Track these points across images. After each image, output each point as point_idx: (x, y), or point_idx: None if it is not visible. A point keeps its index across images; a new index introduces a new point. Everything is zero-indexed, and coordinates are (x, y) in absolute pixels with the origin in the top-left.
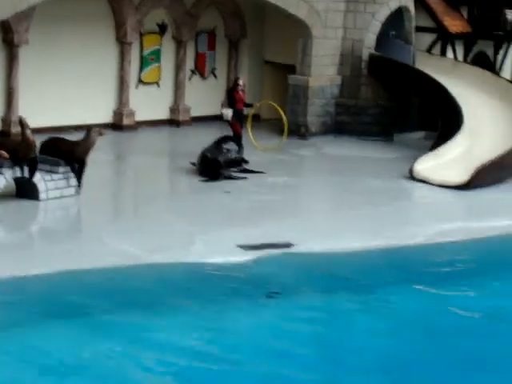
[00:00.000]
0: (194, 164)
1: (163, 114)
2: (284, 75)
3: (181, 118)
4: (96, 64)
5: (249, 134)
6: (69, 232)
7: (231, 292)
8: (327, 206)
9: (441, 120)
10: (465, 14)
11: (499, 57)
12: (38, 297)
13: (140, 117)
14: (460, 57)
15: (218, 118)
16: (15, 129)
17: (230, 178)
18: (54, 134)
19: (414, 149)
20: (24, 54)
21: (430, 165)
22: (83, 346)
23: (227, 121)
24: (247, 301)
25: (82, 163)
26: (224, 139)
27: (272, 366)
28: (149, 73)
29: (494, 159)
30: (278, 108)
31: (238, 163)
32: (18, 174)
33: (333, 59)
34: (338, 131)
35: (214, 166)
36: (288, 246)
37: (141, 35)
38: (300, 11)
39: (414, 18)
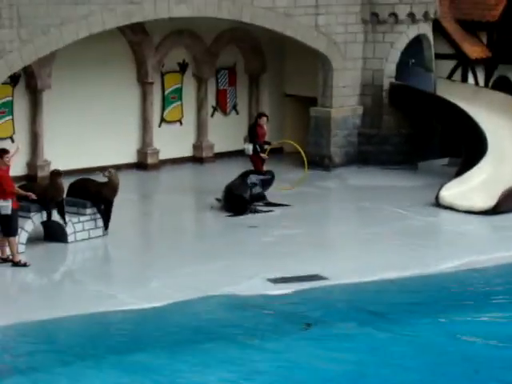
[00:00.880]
0: (219, 200)
1: (186, 151)
2: (305, 108)
3: (204, 154)
4: (118, 105)
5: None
6: (98, 274)
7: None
8: (355, 238)
9: (464, 146)
10: (484, 39)
11: None
12: (70, 340)
13: (164, 155)
14: (481, 82)
15: (241, 154)
16: (41, 173)
17: (256, 211)
18: (79, 175)
19: (438, 176)
20: (47, 99)
21: (455, 191)
22: None
23: (248, 155)
24: (281, 334)
25: (109, 204)
26: (248, 173)
27: None
28: (171, 111)
29: None
30: (296, 145)
31: (263, 197)
32: (46, 217)
33: (354, 90)
34: (361, 161)
35: (239, 202)
36: (317, 278)
37: (162, 74)
38: (319, 44)
39: (433, 46)
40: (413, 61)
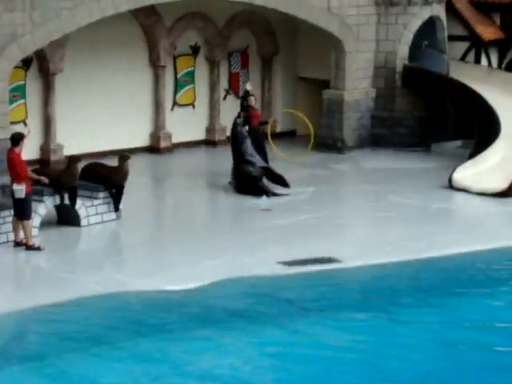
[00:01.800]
0: (231, 183)
1: (199, 134)
2: (318, 90)
3: (217, 137)
4: (131, 88)
5: (271, 146)
6: (111, 258)
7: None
8: (368, 221)
9: (478, 128)
10: (497, 20)
11: None
12: (85, 323)
13: (176, 139)
14: (494, 64)
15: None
16: (54, 157)
17: (274, 194)
18: (93, 159)
19: (452, 158)
20: (60, 82)
21: (469, 173)
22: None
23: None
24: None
25: (121, 188)
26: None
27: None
28: (184, 94)
29: None
30: (300, 114)
31: (270, 171)
32: (59, 201)
33: (366, 72)
34: (374, 144)
35: (248, 180)
36: (330, 261)
37: (174, 58)
38: (331, 26)
39: (446, 27)
40: (426, 43)
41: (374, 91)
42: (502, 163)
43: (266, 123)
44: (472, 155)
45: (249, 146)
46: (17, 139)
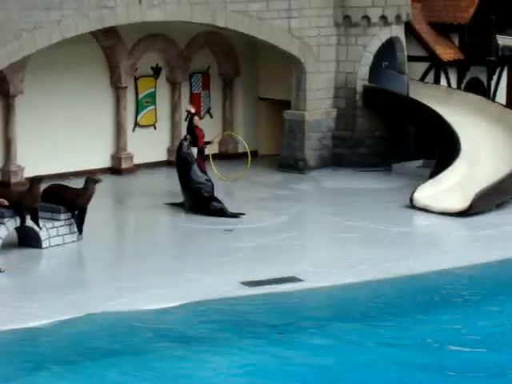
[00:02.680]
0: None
1: (161, 155)
2: (279, 111)
3: None
4: (92, 109)
5: (213, 169)
6: (71, 280)
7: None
8: (330, 240)
9: (438, 147)
10: (456, 41)
11: (493, 82)
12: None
13: (138, 160)
14: (454, 84)
15: (215, 157)
16: (14, 179)
17: (232, 215)
18: (53, 181)
19: (412, 177)
20: (20, 104)
21: (429, 193)
22: None
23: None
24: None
25: (83, 211)
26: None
27: None
28: (145, 116)
29: (494, 184)
30: (238, 137)
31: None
32: (19, 223)
33: (327, 92)
34: (336, 164)
35: (203, 202)
36: (293, 280)
37: (135, 79)
38: (292, 47)
39: (405, 48)
40: (386, 63)
41: (334, 111)
42: (462, 182)
43: (210, 143)
44: (432, 175)
45: (195, 168)
46: None
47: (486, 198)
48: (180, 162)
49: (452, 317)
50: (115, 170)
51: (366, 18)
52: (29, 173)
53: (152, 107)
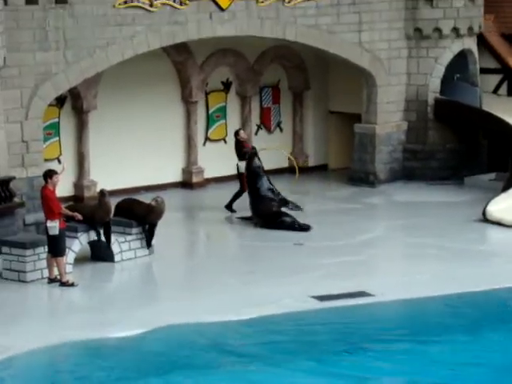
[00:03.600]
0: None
1: (231, 169)
2: (349, 124)
3: None
4: (163, 124)
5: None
6: (144, 294)
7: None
8: (402, 255)
9: (511, 160)
10: None
11: None
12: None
13: (209, 174)
14: None
15: (285, 171)
16: (88, 193)
17: (294, 227)
18: (125, 195)
19: (485, 191)
20: (93, 119)
21: (503, 206)
22: None
23: (240, 174)
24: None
25: (154, 225)
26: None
27: None
28: (215, 130)
29: None
30: (282, 151)
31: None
32: (93, 237)
33: (398, 105)
34: (406, 177)
35: (272, 218)
36: (363, 295)
37: (206, 93)
38: (363, 61)
39: (477, 60)
40: (458, 75)
41: (405, 124)
42: None
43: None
44: (506, 188)
45: (265, 180)
46: (46, 176)
47: None
48: (250, 174)
49: None
50: (186, 183)
51: (438, 30)
52: (102, 187)
53: (222, 121)
